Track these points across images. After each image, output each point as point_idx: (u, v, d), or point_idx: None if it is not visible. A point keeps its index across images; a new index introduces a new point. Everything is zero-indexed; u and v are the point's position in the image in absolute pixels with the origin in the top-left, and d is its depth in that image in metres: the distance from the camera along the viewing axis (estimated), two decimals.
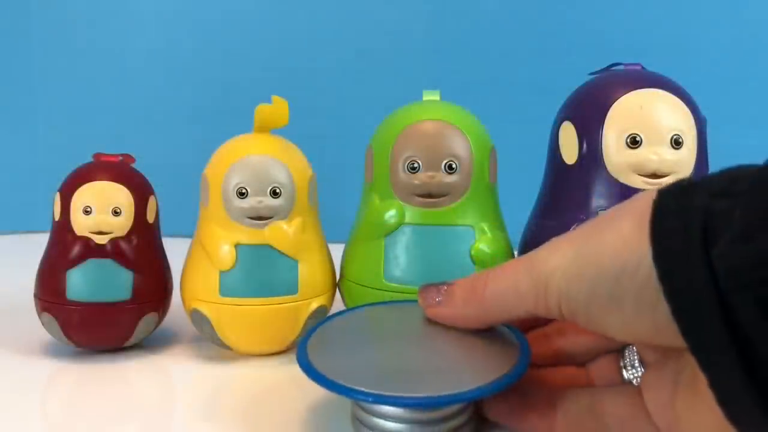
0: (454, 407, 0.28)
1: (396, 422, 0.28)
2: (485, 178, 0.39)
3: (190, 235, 0.41)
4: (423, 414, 0.28)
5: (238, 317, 0.38)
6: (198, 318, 0.39)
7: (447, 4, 0.76)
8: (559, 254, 0.24)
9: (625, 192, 0.36)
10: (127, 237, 0.39)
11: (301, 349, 0.29)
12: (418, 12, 0.77)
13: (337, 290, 0.42)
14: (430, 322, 0.31)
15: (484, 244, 0.38)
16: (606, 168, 0.37)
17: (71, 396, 0.36)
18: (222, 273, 0.38)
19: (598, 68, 0.41)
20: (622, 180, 0.36)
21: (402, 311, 0.33)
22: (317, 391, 0.35)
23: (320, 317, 0.39)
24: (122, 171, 0.41)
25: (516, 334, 0.30)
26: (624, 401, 0.27)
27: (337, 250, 0.43)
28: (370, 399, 0.26)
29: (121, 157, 0.43)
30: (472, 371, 0.27)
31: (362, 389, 0.26)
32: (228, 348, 0.40)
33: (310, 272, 0.39)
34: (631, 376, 0.29)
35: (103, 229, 0.39)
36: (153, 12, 0.82)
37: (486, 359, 0.29)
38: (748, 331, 0.19)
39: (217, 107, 0.81)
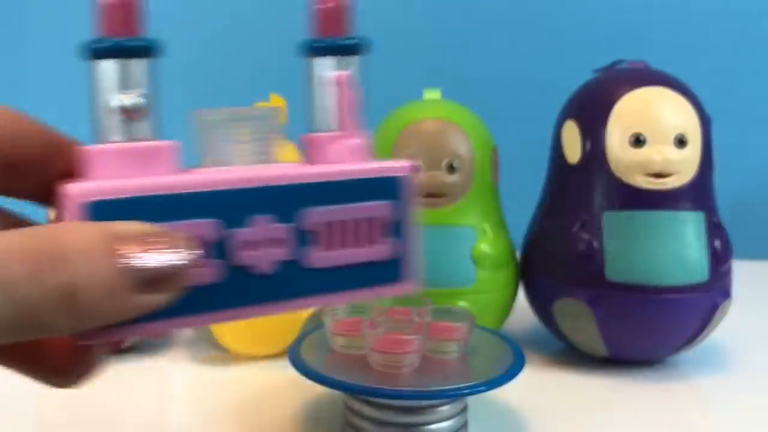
0: (444, 411, 0.28)
1: (386, 425, 0.27)
2: (487, 177, 0.39)
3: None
4: (412, 417, 0.27)
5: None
6: None
7: (448, 1, 0.76)
8: None
9: (629, 192, 0.36)
10: None
11: (294, 349, 0.30)
12: (418, 9, 0.77)
13: None
14: None
15: (485, 244, 0.38)
16: (610, 167, 0.36)
17: (68, 398, 0.35)
18: None
19: (602, 66, 0.40)
20: (626, 180, 0.36)
21: None
22: (314, 394, 0.34)
23: (319, 319, 0.39)
24: None
25: (510, 342, 0.31)
26: None
27: None
28: (363, 392, 0.26)
29: None
30: (463, 372, 0.28)
31: (353, 383, 0.26)
32: (225, 350, 0.39)
33: None
34: None
35: None
36: (151, 10, 0.82)
37: (477, 362, 0.29)
38: None
39: (214, 106, 0.80)
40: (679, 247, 0.35)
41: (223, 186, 0.17)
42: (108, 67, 0.17)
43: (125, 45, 0.17)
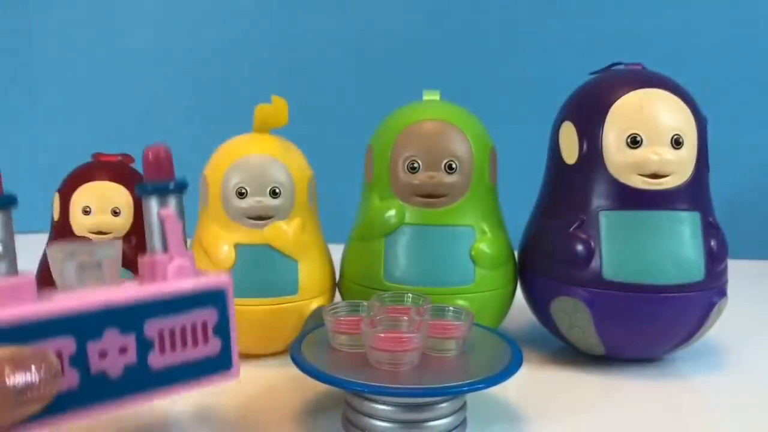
0: (443, 408, 0.28)
1: (385, 422, 0.28)
2: (485, 178, 0.39)
3: (189, 236, 0.41)
4: (411, 414, 0.28)
5: (238, 318, 0.37)
6: None
7: (447, 3, 0.76)
8: None
9: (626, 192, 0.36)
10: (126, 238, 0.39)
11: (295, 347, 0.30)
12: (418, 11, 0.77)
13: (337, 290, 0.42)
14: None
15: (484, 244, 0.38)
16: (606, 168, 0.36)
17: None
18: None
19: (599, 68, 0.40)
20: (623, 180, 0.36)
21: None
22: (314, 392, 0.35)
23: (320, 318, 0.39)
24: (121, 171, 0.41)
25: (508, 341, 0.31)
26: None
27: (337, 250, 0.42)
28: (363, 389, 0.26)
29: (120, 157, 0.43)
30: (462, 369, 0.28)
31: (354, 381, 0.26)
32: None
33: (309, 272, 0.39)
34: None
35: (103, 229, 0.39)
36: (152, 11, 0.82)
37: (476, 360, 0.30)
38: None
39: (216, 107, 0.80)
40: (676, 247, 0.35)
41: (76, 308, 0.21)
42: None
43: None
